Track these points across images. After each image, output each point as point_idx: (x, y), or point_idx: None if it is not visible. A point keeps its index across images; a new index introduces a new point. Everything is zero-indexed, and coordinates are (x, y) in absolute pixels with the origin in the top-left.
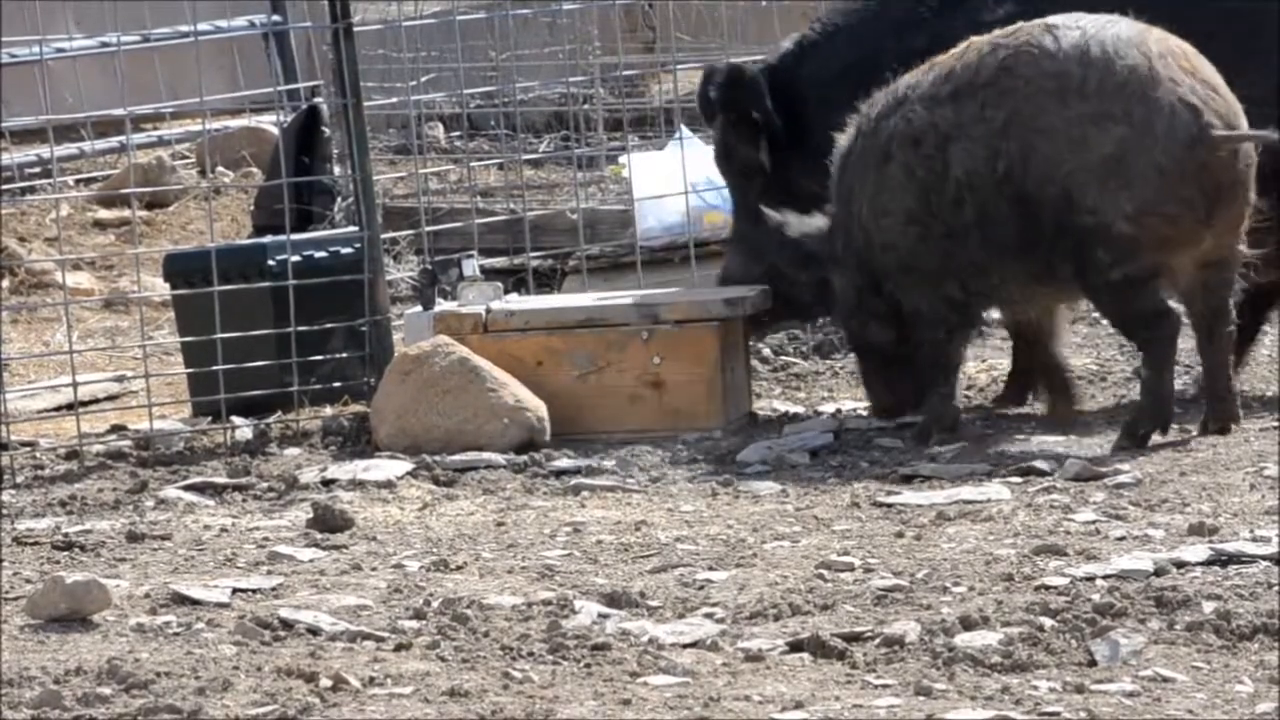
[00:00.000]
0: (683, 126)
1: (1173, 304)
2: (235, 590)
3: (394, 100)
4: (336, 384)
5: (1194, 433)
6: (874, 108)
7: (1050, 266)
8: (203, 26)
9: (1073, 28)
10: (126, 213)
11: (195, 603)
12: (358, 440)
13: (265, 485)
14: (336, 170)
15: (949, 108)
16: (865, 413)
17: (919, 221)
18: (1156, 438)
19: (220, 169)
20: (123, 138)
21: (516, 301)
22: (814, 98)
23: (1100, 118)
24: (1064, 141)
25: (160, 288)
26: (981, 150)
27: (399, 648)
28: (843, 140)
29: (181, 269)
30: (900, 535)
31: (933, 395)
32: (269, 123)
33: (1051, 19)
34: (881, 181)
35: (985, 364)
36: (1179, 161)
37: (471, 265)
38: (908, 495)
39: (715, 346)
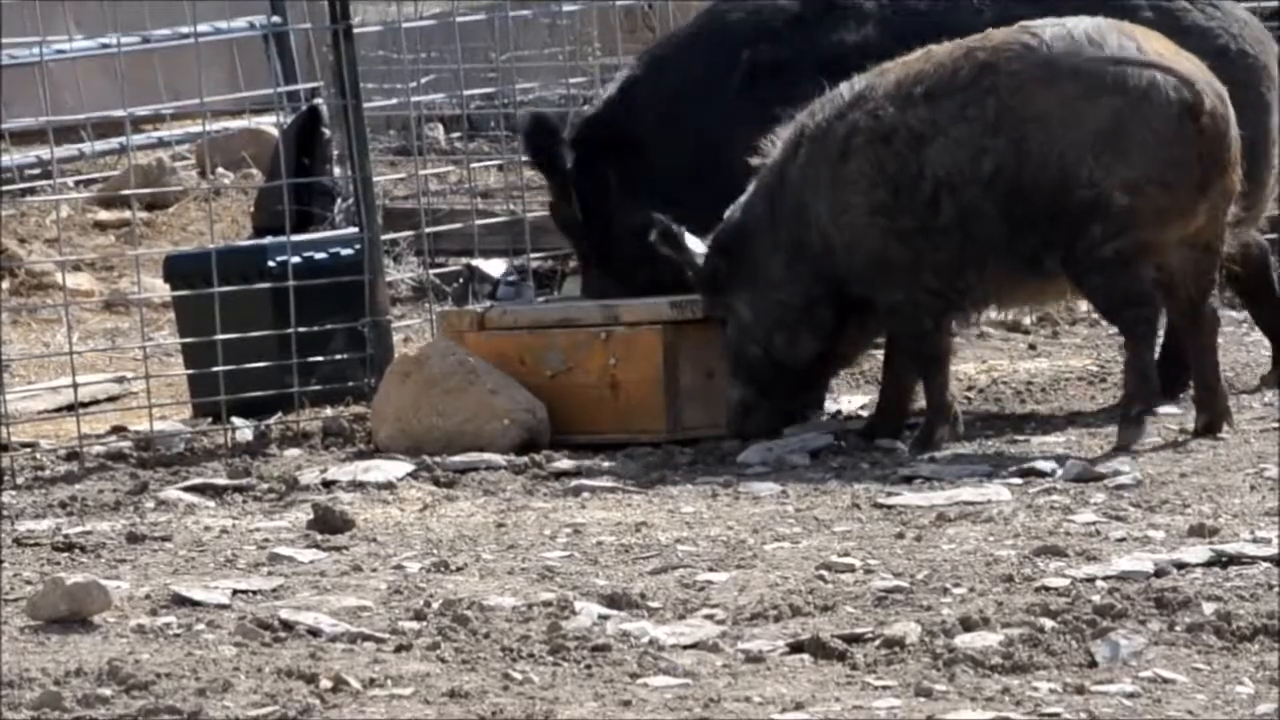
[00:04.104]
0: None
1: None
2: (235, 591)
3: (394, 101)
4: (337, 385)
5: (1193, 433)
6: (815, 115)
7: (1037, 259)
8: (203, 28)
9: (1050, 24)
10: (127, 214)
11: (195, 604)
12: (357, 441)
13: (265, 486)
14: (336, 171)
15: (923, 108)
16: (865, 413)
17: (884, 214)
18: (1156, 439)
19: (220, 170)
20: (123, 139)
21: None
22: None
23: (1092, 91)
24: (1056, 122)
25: (160, 289)
26: (964, 151)
27: (399, 649)
28: (772, 156)
29: (182, 270)
30: (900, 536)
31: (931, 390)
32: (269, 124)
33: (1022, 24)
34: (839, 179)
35: (985, 365)
36: (1176, 128)
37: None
38: (908, 496)
39: (659, 347)
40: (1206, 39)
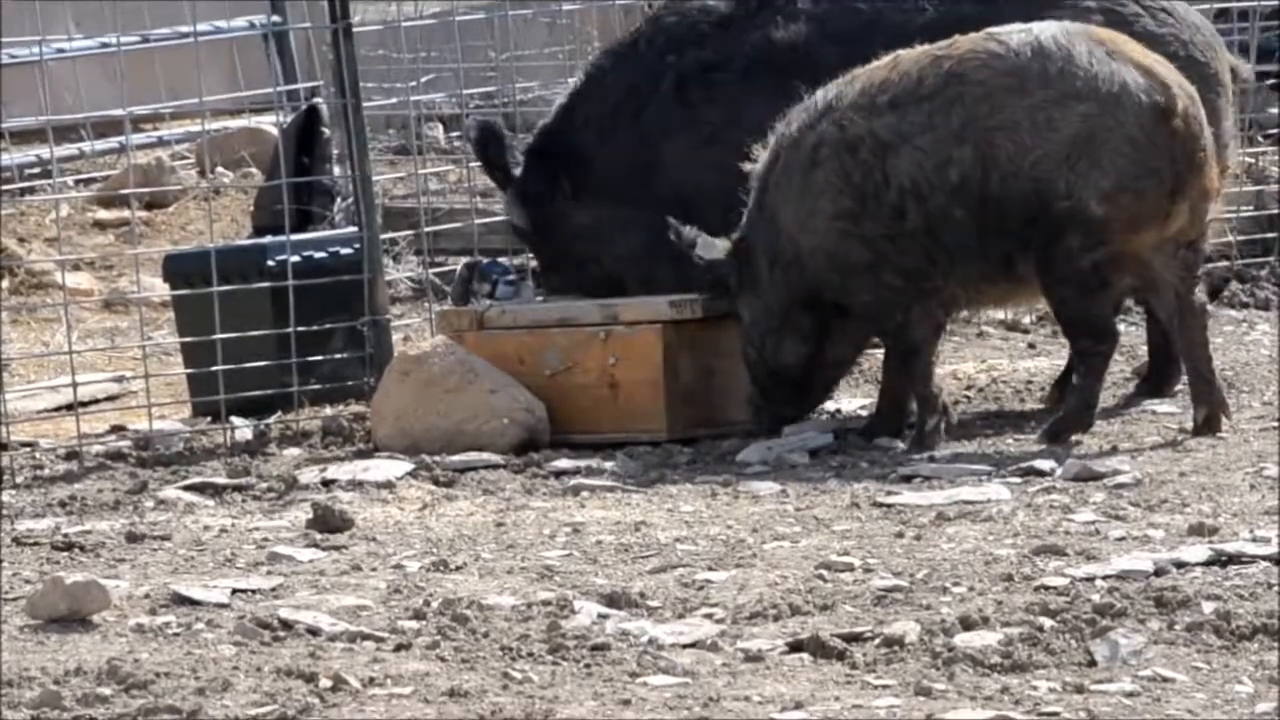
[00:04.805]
0: None
1: (1119, 326)
2: (235, 590)
3: (393, 100)
4: (336, 384)
5: (1190, 432)
6: (791, 124)
7: (1008, 265)
8: (202, 27)
9: (1016, 30)
10: (126, 213)
11: (195, 603)
12: (357, 440)
13: (265, 485)
14: (336, 171)
15: (890, 117)
16: (865, 413)
17: (848, 217)
18: (1152, 439)
19: (220, 169)
20: (122, 138)
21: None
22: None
23: (1064, 98)
24: (1027, 131)
25: (160, 288)
26: (930, 159)
27: (399, 648)
28: (759, 163)
29: (181, 269)
30: (900, 535)
31: (914, 382)
32: (268, 123)
33: (988, 31)
34: (807, 187)
35: (985, 364)
36: (1150, 132)
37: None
38: (907, 495)
39: (659, 347)
40: (1158, 46)
